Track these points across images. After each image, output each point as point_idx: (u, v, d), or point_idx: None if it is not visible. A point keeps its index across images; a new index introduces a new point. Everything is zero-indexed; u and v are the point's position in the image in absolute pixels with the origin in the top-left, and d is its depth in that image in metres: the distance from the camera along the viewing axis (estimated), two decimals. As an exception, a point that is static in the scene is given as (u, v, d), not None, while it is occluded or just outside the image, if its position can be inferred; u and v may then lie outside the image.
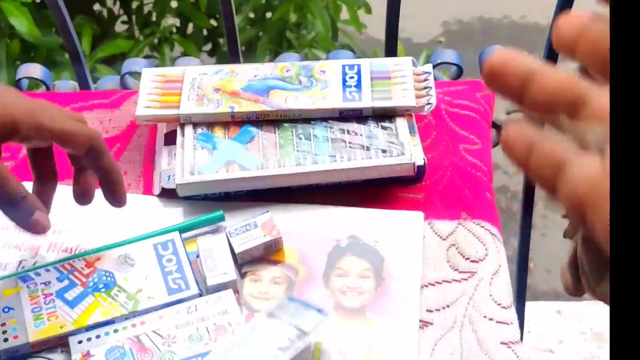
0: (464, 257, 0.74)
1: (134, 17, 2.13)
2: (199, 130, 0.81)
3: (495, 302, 0.71)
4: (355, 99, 0.81)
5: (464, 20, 2.94)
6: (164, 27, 2.02)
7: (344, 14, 1.95)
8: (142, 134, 0.84)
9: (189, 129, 0.81)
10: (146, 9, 2.11)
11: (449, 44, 2.83)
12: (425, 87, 0.82)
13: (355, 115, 0.80)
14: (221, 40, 2.11)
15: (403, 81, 0.82)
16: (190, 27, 2.10)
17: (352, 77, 0.83)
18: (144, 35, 2.03)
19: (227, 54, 2.21)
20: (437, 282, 0.73)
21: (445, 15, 2.91)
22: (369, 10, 1.90)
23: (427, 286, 0.72)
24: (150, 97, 0.82)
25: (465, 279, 0.73)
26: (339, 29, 1.96)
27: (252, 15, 1.99)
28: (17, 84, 1.02)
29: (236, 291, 0.72)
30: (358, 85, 0.82)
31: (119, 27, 2.15)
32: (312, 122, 0.80)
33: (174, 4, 2.04)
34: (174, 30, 2.07)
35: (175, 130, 0.82)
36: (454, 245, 0.75)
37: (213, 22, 2.12)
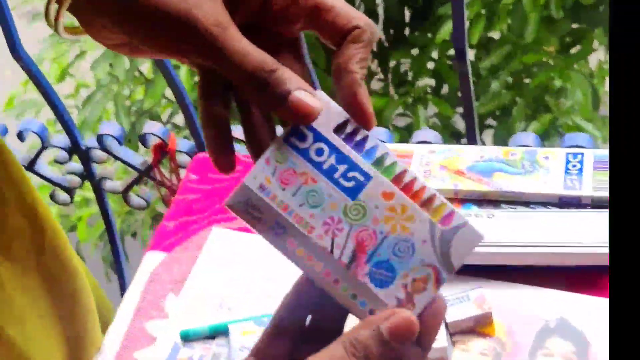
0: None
1: (389, 76, 2.34)
2: (424, 205, 0.95)
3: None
4: (576, 187, 0.91)
5: None
6: (418, 86, 2.20)
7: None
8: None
9: (415, 203, 0.96)
10: (402, 68, 2.31)
11: None
12: (648, 180, 0.91)
13: (574, 203, 0.91)
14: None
15: (625, 173, 0.91)
16: (445, 88, 2.27)
17: (574, 166, 0.94)
18: (399, 94, 2.23)
19: (481, 117, 2.33)
20: (639, 372, 0.81)
21: None
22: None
23: (627, 375, 0.81)
24: (383, 171, 0.99)
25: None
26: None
27: (509, 79, 2.11)
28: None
29: (446, 359, 0.85)
30: (579, 173, 0.93)
31: (375, 85, 2.37)
32: (531, 205, 0.92)
33: (430, 65, 2.22)
34: (428, 90, 2.25)
35: (403, 203, 0.97)
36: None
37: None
